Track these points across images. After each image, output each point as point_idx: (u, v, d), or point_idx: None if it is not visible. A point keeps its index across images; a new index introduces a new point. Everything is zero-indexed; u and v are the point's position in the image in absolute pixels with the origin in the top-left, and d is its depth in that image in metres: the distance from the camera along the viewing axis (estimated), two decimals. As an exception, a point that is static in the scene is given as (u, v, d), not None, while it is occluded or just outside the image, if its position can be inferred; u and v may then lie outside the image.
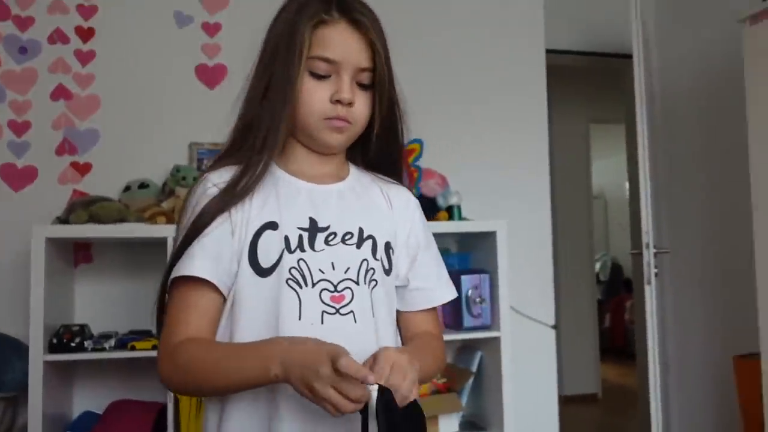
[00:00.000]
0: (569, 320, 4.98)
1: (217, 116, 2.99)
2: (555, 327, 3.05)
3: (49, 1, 2.59)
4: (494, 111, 3.04)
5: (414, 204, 1.11)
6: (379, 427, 0.79)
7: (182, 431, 2.17)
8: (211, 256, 0.93)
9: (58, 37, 2.59)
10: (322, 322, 0.94)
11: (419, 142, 2.68)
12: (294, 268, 0.94)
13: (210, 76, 2.72)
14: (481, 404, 2.63)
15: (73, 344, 2.15)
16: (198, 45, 2.72)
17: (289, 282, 0.94)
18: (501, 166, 3.01)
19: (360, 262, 0.98)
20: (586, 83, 5.25)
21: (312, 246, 0.96)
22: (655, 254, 2.97)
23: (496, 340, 2.49)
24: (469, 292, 2.48)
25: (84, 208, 2.23)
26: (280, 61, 0.97)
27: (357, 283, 0.97)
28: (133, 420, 2.22)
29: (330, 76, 0.97)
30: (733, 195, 3.08)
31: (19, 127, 2.53)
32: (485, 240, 2.57)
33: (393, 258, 1.04)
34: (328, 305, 0.94)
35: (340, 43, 0.96)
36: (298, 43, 0.95)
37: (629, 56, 3.06)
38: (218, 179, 0.97)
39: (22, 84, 2.54)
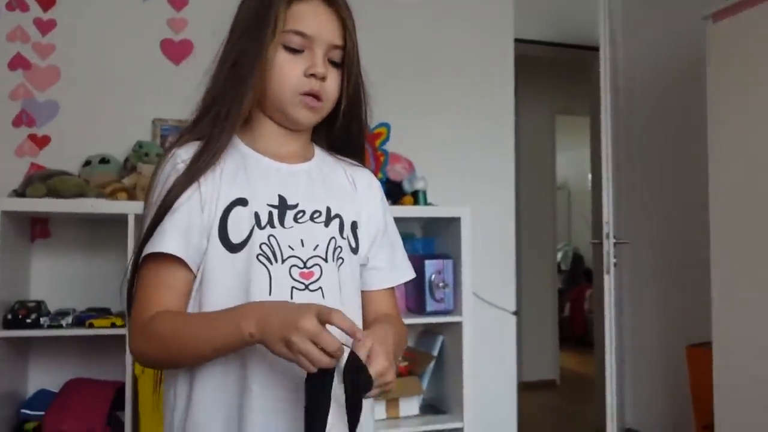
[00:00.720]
0: (530, 308, 5.05)
1: (181, 92, 2.93)
2: (516, 313, 3.09)
3: (8, -33, 2.51)
4: (462, 98, 3.05)
5: (377, 186, 1.13)
6: (346, 387, 0.81)
7: (140, 410, 2.14)
8: (181, 233, 0.93)
9: (17, 3, 2.51)
10: (291, 297, 0.95)
11: (386, 126, 2.67)
12: (264, 243, 0.95)
13: (175, 51, 2.67)
14: (441, 388, 2.66)
15: (28, 320, 2.11)
16: (164, 19, 2.67)
17: (260, 257, 0.94)
18: (467, 153, 3.02)
19: (328, 239, 1.00)
20: (553, 74, 5.30)
21: (282, 223, 0.97)
22: (615, 244, 3.02)
23: (458, 324, 2.52)
24: (433, 276, 2.49)
25: (42, 181, 2.17)
26: (252, 35, 0.97)
27: (325, 260, 0.99)
28: (90, 398, 2.18)
29: (303, 51, 0.98)
30: (690, 188, 3.16)
31: (-25, 97, 2.45)
32: (449, 226, 2.59)
33: (360, 237, 1.06)
34: (298, 281, 0.96)
35: (314, 18, 0.98)
36: (273, 16, 0.96)
37: (596, 49, 3.10)
38: (186, 155, 0.97)
39: (-21, 52, 2.46)
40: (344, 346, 0.82)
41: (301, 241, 0.97)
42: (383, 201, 1.13)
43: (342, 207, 1.03)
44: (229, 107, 0.97)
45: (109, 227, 2.42)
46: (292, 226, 0.97)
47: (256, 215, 0.96)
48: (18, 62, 2.50)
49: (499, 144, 3.12)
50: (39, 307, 2.17)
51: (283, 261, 0.95)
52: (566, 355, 5.95)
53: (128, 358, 2.13)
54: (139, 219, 2.20)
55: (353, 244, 1.04)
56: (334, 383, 0.82)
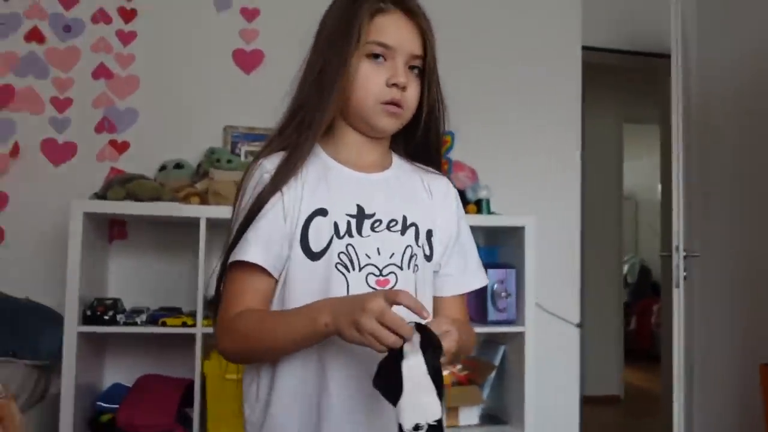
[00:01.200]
0: (594, 320, 4.93)
1: (252, 100, 3.04)
2: (580, 326, 3.04)
3: (94, -18, 2.65)
4: (528, 106, 3.02)
5: (453, 193, 1.15)
6: (426, 361, 0.83)
7: (208, 408, 2.21)
8: (264, 242, 0.98)
9: (101, 16, 2.65)
10: None
11: (451, 134, 2.68)
12: (342, 252, 0.99)
13: (246, 60, 2.76)
14: (502, 398, 2.64)
15: (106, 317, 2.21)
16: (236, 30, 2.76)
17: (338, 266, 0.99)
18: (532, 162, 3.00)
19: (404, 248, 1.03)
20: (621, 82, 5.19)
21: (359, 232, 1.01)
22: (685, 257, 2.94)
23: (521, 335, 2.49)
24: (495, 286, 2.48)
25: (121, 185, 2.28)
26: (337, 46, 1.01)
27: (401, 268, 1.02)
28: (160, 394, 2.27)
29: (385, 61, 1.02)
30: (764, 201, 3.03)
31: (61, 104, 2.59)
32: (513, 235, 2.57)
33: (434, 245, 1.08)
34: (374, 288, 0.99)
35: (395, 30, 1.02)
36: (356, 28, 1.00)
37: (667, 56, 3.02)
38: (271, 166, 1.02)
39: (65, 61, 2.60)
40: (414, 323, 0.84)
41: (378, 249, 1.00)
42: (459, 208, 1.15)
43: (418, 215, 1.06)
44: (313, 115, 1.01)
45: (182, 230, 2.51)
46: (369, 235, 1.01)
47: (335, 225, 1.00)
48: (101, 72, 2.63)
49: (565, 153, 3.08)
50: (116, 304, 2.27)
51: (360, 269, 0.99)
52: (631, 369, 5.79)
53: (198, 356, 2.21)
54: (211, 223, 2.30)
55: (428, 252, 1.06)
56: (408, 362, 0.83)
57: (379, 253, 1.00)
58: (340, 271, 0.98)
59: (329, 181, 1.03)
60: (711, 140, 3.56)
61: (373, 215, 1.02)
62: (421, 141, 1.11)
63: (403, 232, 1.03)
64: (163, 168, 2.52)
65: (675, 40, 2.95)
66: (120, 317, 2.23)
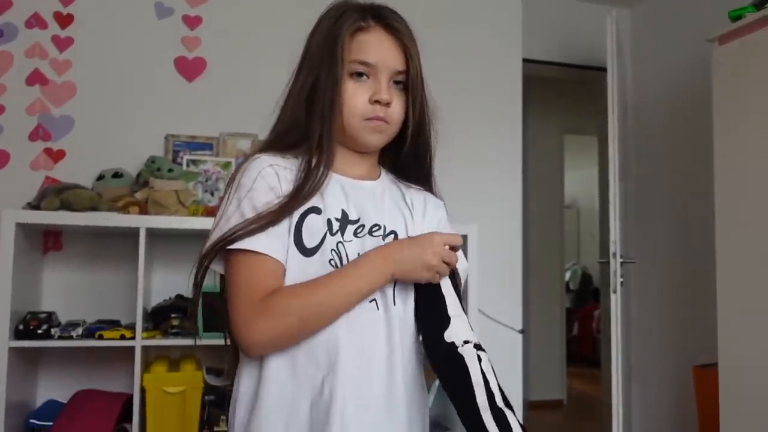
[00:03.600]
0: (538, 327, 5.04)
1: (194, 109, 3.00)
2: (522, 332, 3.09)
3: (28, -15, 2.58)
4: (470, 116, 3.08)
5: (432, 205, 1.17)
6: (456, 292, 1.07)
7: (148, 423, 2.17)
8: (273, 236, 0.98)
9: (36, 21, 2.57)
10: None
11: (395, 143, 2.70)
12: (334, 249, 1.01)
13: (189, 68, 2.72)
14: (447, 406, 2.65)
15: (39, 331, 2.14)
16: (178, 37, 2.72)
17: (331, 262, 1.00)
18: (475, 171, 3.05)
19: None
20: (562, 94, 5.33)
21: (342, 235, 1.02)
22: (622, 264, 3.03)
23: (464, 342, 2.52)
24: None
25: (56, 194, 2.22)
26: (325, 66, 1.03)
27: None
28: (98, 409, 2.21)
29: (368, 78, 1.04)
30: (698, 208, 3.16)
31: (-7, 111, 2.50)
32: (457, 243, 2.61)
33: None
34: None
35: (376, 47, 1.04)
36: (340, 48, 1.02)
37: (604, 69, 3.12)
38: (273, 161, 1.03)
39: (-2, 67, 2.52)
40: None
41: (358, 254, 1.02)
42: (439, 220, 1.16)
43: (398, 226, 1.08)
44: (320, 139, 1.03)
45: (121, 240, 2.45)
46: (351, 240, 1.02)
47: (329, 222, 1.01)
48: (35, 78, 2.55)
49: (507, 163, 3.15)
50: (50, 318, 2.20)
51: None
52: (574, 375, 5.92)
53: (137, 370, 2.16)
54: (151, 232, 2.25)
55: None
56: (447, 290, 1.05)
57: None
58: (334, 267, 1.00)
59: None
60: (646, 151, 3.69)
61: (357, 221, 1.04)
62: (410, 154, 1.13)
63: (384, 238, 1.05)
64: (101, 177, 2.46)
65: (610, 54, 3.06)
66: (54, 331, 2.17)
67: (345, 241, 1.02)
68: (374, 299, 1.01)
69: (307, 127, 1.05)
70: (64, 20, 2.60)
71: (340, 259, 1.00)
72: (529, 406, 4.76)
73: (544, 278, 5.25)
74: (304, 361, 0.98)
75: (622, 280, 3.03)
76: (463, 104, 3.07)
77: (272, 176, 1.01)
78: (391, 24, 1.06)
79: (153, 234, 2.32)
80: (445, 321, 1.01)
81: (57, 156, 2.54)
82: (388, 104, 1.04)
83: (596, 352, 5.95)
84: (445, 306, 1.03)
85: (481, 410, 0.93)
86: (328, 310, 0.97)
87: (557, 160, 5.58)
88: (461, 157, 3.02)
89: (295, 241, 1.00)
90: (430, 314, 1.03)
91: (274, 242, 0.98)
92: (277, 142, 1.07)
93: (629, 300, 3.60)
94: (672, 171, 3.50)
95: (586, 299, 7.66)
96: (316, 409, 0.96)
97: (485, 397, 0.94)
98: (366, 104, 1.03)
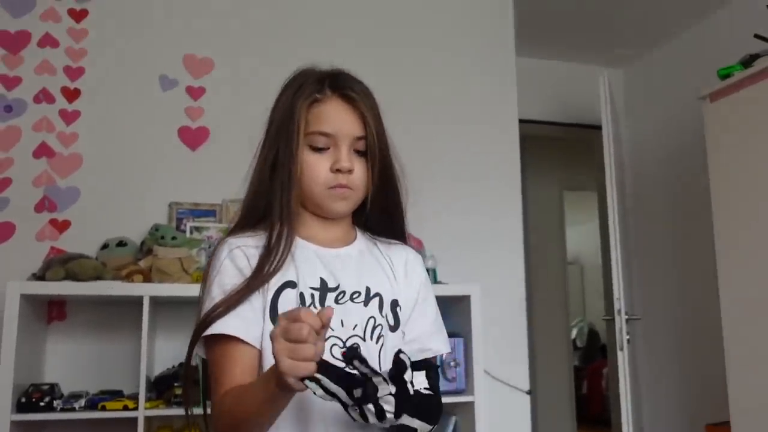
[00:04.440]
0: (545, 386, 4.95)
1: (197, 177, 3.04)
2: (530, 392, 3.04)
3: (37, 62, 2.66)
4: (469, 176, 3.11)
5: (413, 259, 1.17)
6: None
7: (149, 496, 2.11)
8: (242, 317, 0.99)
9: (44, 96, 2.65)
10: None
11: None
12: None
13: (192, 137, 2.78)
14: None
15: (42, 404, 2.11)
16: (181, 107, 2.79)
17: None
18: (476, 231, 3.07)
19: (367, 319, 1.04)
20: (559, 151, 5.40)
21: (322, 305, 1.02)
22: (627, 320, 3.01)
23: (471, 404, 2.49)
24: (444, 355, 2.49)
25: (61, 264, 2.23)
26: (283, 139, 1.06)
27: (363, 339, 1.03)
28: (98, 484, 2.16)
29: (329, 148, 1.06)
30: (698, 262, 3.16)
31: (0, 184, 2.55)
32: (459, 304, 2.60)
33: (400, 315, 1.09)
34: (338, 360, 0.99)
35: (334, 117, 1.06)
36: (296, 121, 1.05)
37: (599, 127, 3.18)
38: (239, 242, 1.05)
39: (5, 141, 2.57)
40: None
41: (341, 321, 1.01)
42: (420, 274, 1.16)
43: (381, 286, 1.08)
44: (281, 213, 1.04)
45: (125, 309, 2.45)
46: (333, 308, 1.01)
47: (301, 296, 1.01)
48: (42, 151, 2.61)
49: (508, 220, 3.17)
50: (52, 389, 2.18)
51: (324, 341, 0.98)
52: (585, 435, 5.78)
53: (139, 442, 2.13)
54: (154, 301, 2.26)
55: (392, 322, 1.07)
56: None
57: (342, 325, 1.01)
58: None
59: (296, 257, 1.05)
60: (645, 206, 3.72)
61: (336, 288, 1.04)
62: (379, 217, 1.14)
63: (366, 303, 1.05)
64: (105, 246, 2.48)
65: (605, 113, 3.12)
66: (57, 403, 2.14)
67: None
68: None
69: (268, 200, 1.06)
70: (72, 95, 2.68)
71: None
72: (541, 469, 4.64)
73: (550, 336, 5.19)
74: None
75: (628, 337, 3.01)
76: (463, 165, 3.11)
77: (240, 258, 1.03)
78: (347, 93, 1.07)
79: (156, 302, 2.32)
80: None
81: (62, 226, 2.57)
82: (350, 171, 1.05)
83: (607, 411, 5.83)
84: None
85: None
86: (252, 420, 0.93)
87: (558, 216, 5.60)
88: (462, 218, 3.05)
89: (271, 318, 1.00)
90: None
91: (244, 324, 0.98)
92: (247, 218, 1.09)
93: (637, 357, 3.55)
94: (671, 224, 3.52)
95: (593, 356, 7.55)
96: None
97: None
98: (328, 173, 1.05)
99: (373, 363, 1.01)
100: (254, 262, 1.02)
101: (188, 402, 1.13)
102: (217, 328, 0.98)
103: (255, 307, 1.00)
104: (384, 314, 1.06)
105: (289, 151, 1.04)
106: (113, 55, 2.76)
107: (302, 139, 1.04)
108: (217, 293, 1.01)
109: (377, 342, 1.03)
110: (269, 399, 0.88)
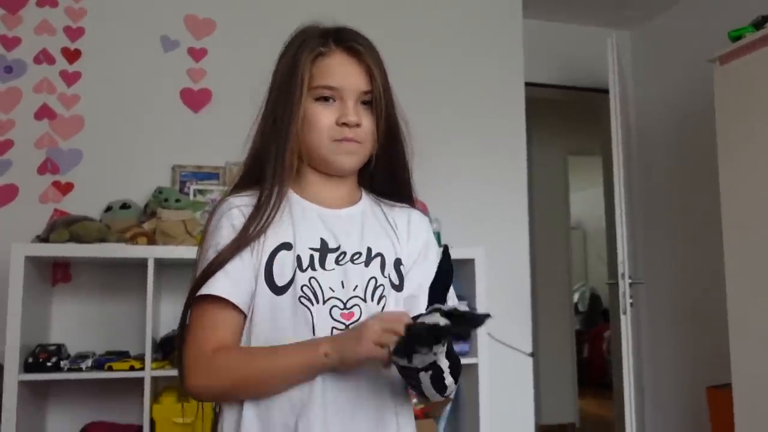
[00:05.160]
0: (548, 350, 4.99)
1: (200, 139, 3.02)
2: (532, 355, 3.07)
3: (36, 22, 2.62)
4: (474, 141, 3.09)
5: (416, 219, 1.14)
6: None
7: (156, 454, 2.15)
8: (233, 278, 0.99)
9: (44, 57, 2.62)
10: None
11: (401, 169, 2.71)
12: (306, 285, 0.99)
13: (195, 100, 2.75)
14: (458, 431, 2.63)
15: (49, 364, 2.14)
16: (183, 69, 2.76)
17: (302, 299, 0.99)
18: (480, 195, 3.06)
19: (368, 280, 1.03)
20: (564, 116, 5.35)
21: (323, 266, 1.01)
22: (631, 284, 3.01)
23: (474, 366, 2.51)
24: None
25: (65, 227, 2.23)
26: (285, 94, 1.04)
27: (364, 300, 1.02)
28: (107, 442, 2.20)
29: (335, 101, 1.04)
30: (706, 227, 3.15)
31: (2, 146, 2.53)
32: (463, 267, 2.61)
33: (403, 274, 1.07)
34: (338, 321, 0.99)
35: (339, 70, 1.04)
36: (300, 75, 1.02)
37: (606, 91, 3.14)
38: (239, 201, 1.04)
39: (6, 103, 2.56)
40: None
41: (342, 282, 1.01)
42: (423, 232, 1.14)
43: (383, 246, 1.06)
44: (274, 167, 1.03)
45: (129, 271, 2.46)
46: (333, 269, 1.01)
47: (298, 258, 1.00)
48: (44, 112, 2.59)
49: (513, 185, 3.15)
50: (59, 350, 2.20)
51: (324, 302, 0.99)
52: (586, 397, 5.85)
53: (146, 401, 2.15)
54: (159, 263, 2.27)
55: (396, 281, 1.06)
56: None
57: (342, 286, 1.01)
58: (304, 305, 0.98)
59: (294, 217, 1.04)
60: (651, 171, 3.70)
61: (337, 249, 1.03)
62: (384, 175, 1.13)
63: (367, 263, 1.04)
64: (109, 209, 2.48)
65: (612, 76, 3.08)
66: (64, 363, 2.17)
67: (327, 269, 1.01)
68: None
69: (267, 156, 1.05)
70: (72, 55, 2.65)
71: (314, 294, 0.99)
72: (541, 430, 4.71)
73: (553, 300, 5.21)
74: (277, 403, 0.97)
75: (631, 301, 3.01)
76: (468, 129, 3.09)
77: (237, 217, 1.02)
78: (352, 46, 1.05)
79: (161, 264, 2.33)
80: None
81: (65, 189, 2.57)
82: (357, 125, 1.04)
83: (608, 374, 5.89)
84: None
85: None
86: (262, 384, 0.96)
87: (562, 181, 5.58)
88: (467, 181, 3.04)
89: (266, 280, 0.99)
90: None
91: (232, 284, 0.98)
92: (246, 177, 1.07)
93: (639, 321, 3.57)
94: (678, 190, 3.50)
95: (595, 321, 7.59)
96: None
97: None
98: (333, 126, 1.03)
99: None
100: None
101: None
102: (208, 288, 0.98)
103: (246, 265, 0.99)
104: (387, 274, 1.04)
105: (290, 104, 1.02)
106: (113, 15, 2.72)
107: (306, 92, 1.02)
108: (211, 253, 1.00)
109: (378, 303, 1.02)
110: (309, 366, 0.94)
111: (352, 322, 0.99)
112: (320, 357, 0.92)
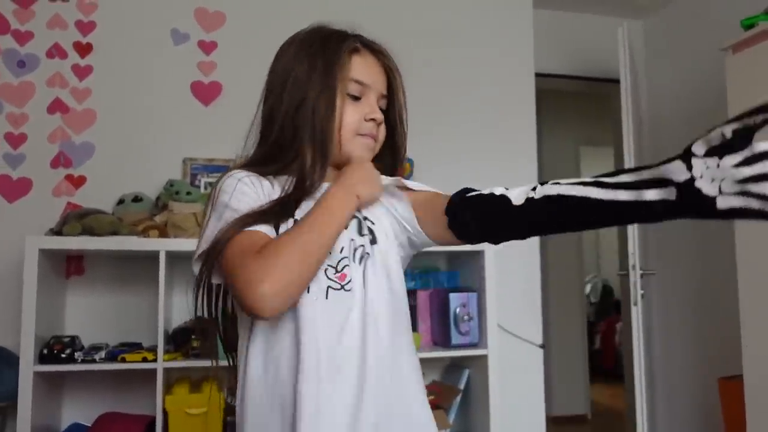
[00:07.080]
0: (559, 341, 5.00)
1: (211, 132, 3.04)
2: (543, 346, 3.07)
3: (48, 17, 2.64)
4: (485, 132, 3.09)
5: (389, 180, 1.13)
6: None
7: (170, 444, 2.18)
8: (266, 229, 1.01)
9: (56, 51, 2.64)
10: (326, 297, 1.01)
11: (409, 161, 2.72)
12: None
13: (205, 93, 2.77)
14: (468, 422, 2.65)
15: (63, 355, 2.17)
16: (194, 62, 2.77)
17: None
18: (491, 187, 3.04)
19: (348, 241, 1.05)
20: (576, 106, 5.33)
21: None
22: (642, 275, 3.00)
23: (484, 358, 2.52)
24: (458, 309, 2.51)
25: (78, 220, 2.26)
26: (318, 85, 1.05)
27: (350, 260, 1.04)
28: (121, 432, 2.22)
29: (361, 98, 1.08)
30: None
31: (15, 140, 2.56)
32: (473, 258, 2.61)
33: (372, 228, 1.08)
34: (333, 281, 1.02)
35: (368, 69, 1.09)
36: (339, 65, 1.05)
37: (617, 81, 3.12)
38: (249, 173, 1.05)
39: (19, 97, 2.58)
40: None
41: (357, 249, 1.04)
42: (398, 193, 1.13)
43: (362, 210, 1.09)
44: (320, 149, 1.04)
45: (141, 264, 2.49)
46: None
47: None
48: (56, 106, 2.61)
49: (523, 176, 3.14)
50: (73, 342, 2.23)
51: None
52: (598, 388, 5.85)
53: (159, 392, 2.18)
54: (171, 255, 2.28)
55: (371, 236, 1.07)
56: None
57: (330, 252, 1.03)
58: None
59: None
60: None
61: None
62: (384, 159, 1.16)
63: (346, 226, 1.07)
64: (121, 202, 2.50)
65: (623, 66, 3.06)
66: (78, 355, 2.19)
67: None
68: (352, 288, 1.01)
69: (295, 147, 1.06)
70: (84, 49, 2.66)
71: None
72: (553, 421, 4.71)
73: (564, 292, 5.21)
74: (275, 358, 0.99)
75: (642, 292, 3.01)
76: (479, 120, 3.08)
77: (253, 184, 1.03)
78: (380, 49, 1.12)
79: (173, 256, 2.35)
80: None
81: (78, 182, 2.59)
82: (380, 124, 1.09)
83: (619, 366, 5.88)
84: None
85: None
86: (317, 244, 0.97)
87: (573, 171, 5.56)
88: (476, 172, 3.03)
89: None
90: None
91: (264, 227, 0.99)
92: (259, 165, 1.07)
93: (651, 312, 3.56)
94: (690, 181, 3.48)
95: (607, 312, 7.58)
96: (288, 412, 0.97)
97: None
98: (361, 121, 1.07)
99: (358, 282, 1.02)
100: (266, 190, 1.04)
101: (211, 308, 1.14)
102: (250, 227, 0.97)
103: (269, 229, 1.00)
104: (364, 233, 1.07)
105: (328, 95, 1.04)
106: (124, 9, 2.73)
107: (343, 83, 1.05)
108: (230, 216, 0.99)
109: (360, 263, 1.04)
110: (349, 213, 1.02)
111: (347, 282, 1.02)
112: (355, 202, 1.02)
